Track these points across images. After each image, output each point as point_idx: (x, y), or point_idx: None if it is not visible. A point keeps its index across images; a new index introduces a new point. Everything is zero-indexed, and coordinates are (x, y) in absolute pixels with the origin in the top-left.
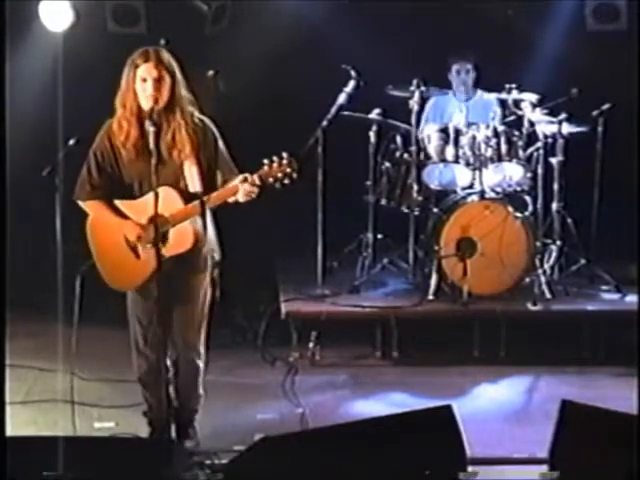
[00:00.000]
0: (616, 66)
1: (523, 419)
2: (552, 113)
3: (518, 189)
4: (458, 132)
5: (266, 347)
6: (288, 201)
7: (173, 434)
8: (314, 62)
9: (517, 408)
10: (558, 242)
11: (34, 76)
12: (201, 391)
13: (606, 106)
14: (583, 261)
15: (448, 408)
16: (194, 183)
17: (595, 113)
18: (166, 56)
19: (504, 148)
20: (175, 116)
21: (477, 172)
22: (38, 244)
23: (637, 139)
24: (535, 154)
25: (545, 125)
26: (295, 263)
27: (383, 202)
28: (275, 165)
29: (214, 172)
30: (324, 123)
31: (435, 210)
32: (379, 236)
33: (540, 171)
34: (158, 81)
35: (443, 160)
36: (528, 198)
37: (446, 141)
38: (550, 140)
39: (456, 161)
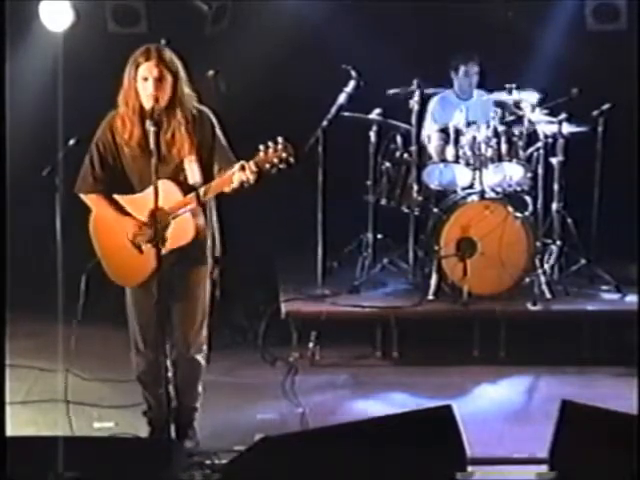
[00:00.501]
0: (616, 66)
1: (523, 419)
2: (552, 113)
3: (518, 189)
4: (458, 132)
5: (266, 347)
6: (288, 201)
7: (173, 434)
8: (314, 62)
9: (517, 408)
10: (558, 242)
11: (34, 76)
12: (200, 389)
13: (606, 106)
14: (583, 261)
15: (448, 408)
16: (194, 177)
17: (595, 113)
18: (168, 54)
19: (504, 148)
20: (176, 114)
21: (477, 172)
22: (38, 244)
23: (637, 139)
24: (535, 154)
25: (545, 125)
26: (295, 263)
27: (383, 202)
28: (271, 150)
29: (213, 163)
30: (324, 123)
31: (435, 210)
32: (379, 236)
33: (540, 171)
34: (159, 80)
35: (443, 160)
36: (528, 198)
37: (446, 141)
38: (550, 140)
39: (456, 161)
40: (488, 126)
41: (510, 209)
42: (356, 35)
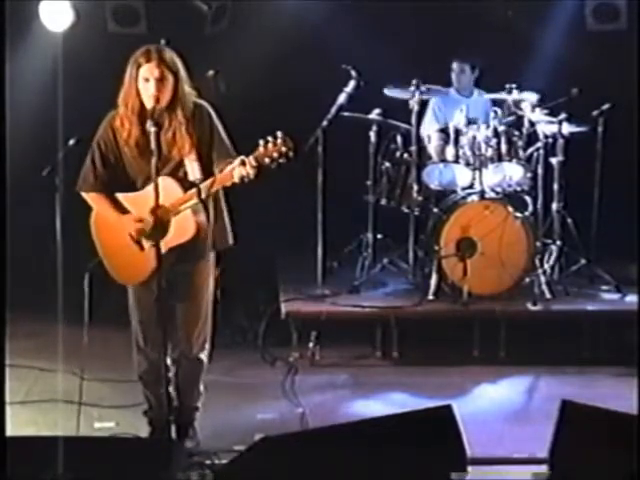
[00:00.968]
0: (616, 66)
1: (523, 419)
2: (552, 113)
3: (518, 189)
4: (458, 132)
5: (266, 347)
6: (288, 201)
7: (173, 434)
8: (314, 62)
9: (517, 408)
10: (558, 242)
11: (34, 76)
12: (202, 388)
13: (606, 106)
14: (583, 261)
15: (448, 408)
16: (194, 174)
17: (595, 113)
18: (169, 55)
19: (504, 148)
20: (177, 114)
21: (477, 172)
22: (38, 244)
23: (637, 139)
24: (535, 154)
25: (545, 125)
26: (295, 263)
27: (383, 202)
28: (270, 145)
29: (212, 157)
30: (324, 123)
31: (435, 210)
32: (379, 236)
33: (540, 171)
34: (160, 81)
35: (443, 160)
36: (528, 198)
37: (446, 141)
38: (550, 140)
39: (456, 161)
40: (488, 126)
41: (510, 209)
42: (356, 35)
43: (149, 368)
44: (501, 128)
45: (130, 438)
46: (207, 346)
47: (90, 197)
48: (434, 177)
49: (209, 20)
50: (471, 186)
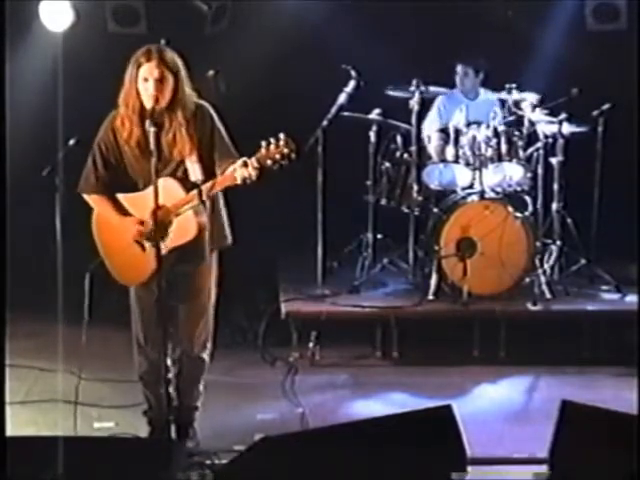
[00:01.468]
0: (616, 66)
1: (523, 419)
2: (552, 113)
3: (518, 189)
4: (458, 132)
5: (266, 347)
6: (288, 201)
7: (173, 434)
8: (314, 62)
9: (517, 408)
10: (558, 242)
11: (34, 76)
12: (202, 388)
13: (606, 106)
14: (583, 261)
15: (448, 408)
16: (196, 175)
17: (595, 113)
18: (169, 55)
19: (504, 148)
20: (177, 115)
21: (477, 172)
22: (38, 244)
23: (637, 139)
24: (535, 154)
25: (545, 125)
26: (295, 263)
27: (383, 202)
28: (272, 147)
29: (214, 158)
30: (324, 123)
31: (435, 210)
32: (379, 236)
33: (540, 171)
34: (160, 81)
35: (443, 160)
36: (528, 198)
37: (446, 141)
38: (550, 140)
39: (456, 161)
40: (488, 126)
41: (510, 209)
42: (356, 35)
43: (149, 368)
44: (501, 128)
45: (130, 438)
46: (209, 345)
47: (91, 199)
48: (434, 177)
49: (209, 20)
50: (471, 186)
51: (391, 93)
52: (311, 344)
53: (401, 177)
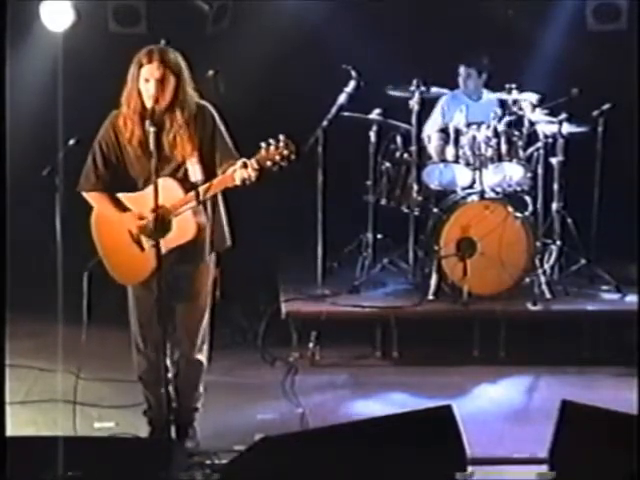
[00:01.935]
0: (616, 66)
1: (523, 419)
2: (552, 113)
3: (518, 189)
4: (458, 132)
5: (266, 347)
6: (288, 201)
7: (173, 434)
8: (314, 62)
9: (517, 408)
10: (558, 242)
11: (34, 76)
12: (202, 389)
13: (606, 106)
14: (583, 261)
15: (448, 408)
16: (196, 176)
17: (595, 113)
18: (172, 55)
19: (504, 148)
20: (178, 116)
21: (477, 172)
22: (38, 244)
23: (637, 139)
24: (535, 154)
25: (545, 125)
26: (295, 263)
27: (383, 202)
28: (272, 148)
29: (215, 158)
30: (324, 123)
31: (435, 210)
32: (379, 236)
33: (540, 171)
34: (161, 82)
35: (443, 160)
36: (528, 198)
37: (446, 141)
38: (550, 140)
39: (456, 161)
40: (488, 126)
41: (510, 209)
42: (356, 35)
43: (149, 368)
44: (501, 128)
45: (130, 438)
46: (206, 347)
47: (91, 197)
48: (434, 177)
49: (210, 20)
50: (471, 186)
51: (391, 93)
52: (311, 344)
53: (401, 177)
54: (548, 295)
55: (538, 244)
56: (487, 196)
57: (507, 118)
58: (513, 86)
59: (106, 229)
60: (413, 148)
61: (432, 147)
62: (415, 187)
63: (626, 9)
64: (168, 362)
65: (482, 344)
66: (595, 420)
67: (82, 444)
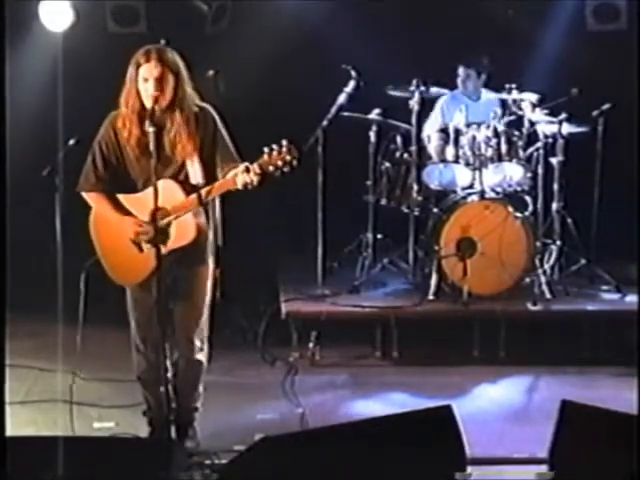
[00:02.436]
0: (616, 66)
1: (523, 419)
2: (552, 113)
3: (518, 189)
4: (458, 132)
5: (266, 347)
6: (288, 201)
7: (173, 434)
8: (314, 62)
9: (517, 408)
10: (558, 242)
11: (34, 76)
12: (201, 389)
13: (606, 106)
14: (583, 261)
15: (448, 408)
16: (196, 177)
17: (595, 113)
18: (170, 55)
19: (504, 148)
20: (178, 115)
21: (477, 172)
22: (38, 244)
23: (637, 139)
24: (535, 154)
25: (545, 125)
26: (295, 263)
27: (383, 202)
28: (275, 153)
29: (215, 161)
30: (324, 123)
31: (435, 210)
32: (379, 236)
33: (540, 171)
34: (160, 81)
35: (443, 160)
36: (528, 198)
37: (446, 141)
38: (550, 140)
39: (456, 161)
40: (488, 126)
41: (510, 209)
42: (356, 35)
43: (148, 369)
44: (501, 128)
45: (130, 438)
46: (206, 347)
47: (90, 197)
48: (434, 177)
49: (209, 20)
50: (471, 186)
51: (391, 93)
52: (311, 344)
53: (401, 177)
54: (548, 295)
55: (538, 244)
56: (487, 196)
57: (507, 118)
58: (513, 86)
59: (105, 229)
60: (413, 148)
61: (432, 147)
62: (415, 187)
63: (626, 9)
64: (168, 362)
65: (482, 344)
66: (595, 420)
67: (82, 444)
